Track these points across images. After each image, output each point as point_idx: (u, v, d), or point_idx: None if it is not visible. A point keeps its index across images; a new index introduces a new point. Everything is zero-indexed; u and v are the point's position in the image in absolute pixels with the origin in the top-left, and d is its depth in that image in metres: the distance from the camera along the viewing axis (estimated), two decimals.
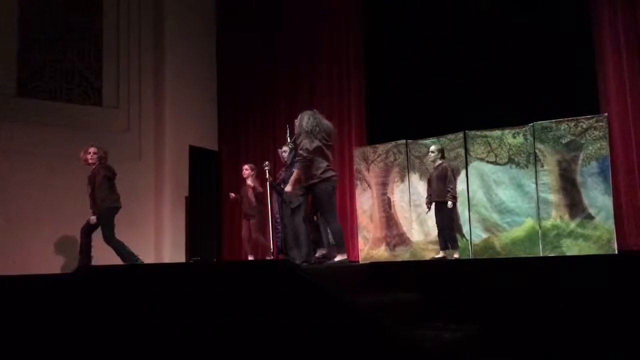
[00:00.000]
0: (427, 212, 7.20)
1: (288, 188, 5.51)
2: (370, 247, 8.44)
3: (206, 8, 10.48)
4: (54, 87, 8.97)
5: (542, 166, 7.28)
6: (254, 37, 10.14)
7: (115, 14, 9.49)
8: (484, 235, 7.54)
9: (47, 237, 7.67)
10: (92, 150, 6.89)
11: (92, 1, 9.39)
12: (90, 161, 6.88)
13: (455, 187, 6.87)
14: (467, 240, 7.61)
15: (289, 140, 6.85)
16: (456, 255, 6.70)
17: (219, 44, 10.54)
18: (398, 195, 8.28)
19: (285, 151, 6.94)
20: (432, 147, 7.08)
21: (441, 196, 6.72)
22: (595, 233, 6.91)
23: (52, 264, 6.89)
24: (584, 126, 7.10)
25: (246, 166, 8.07)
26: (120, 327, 3.63)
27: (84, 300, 3.83)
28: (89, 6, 9.37)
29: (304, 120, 5.58)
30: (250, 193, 7.95)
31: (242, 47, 10.20)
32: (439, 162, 6.89)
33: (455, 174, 7.19)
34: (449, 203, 6.68)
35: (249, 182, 7.92)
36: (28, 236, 7.91)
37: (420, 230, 8.00)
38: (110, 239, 6.59)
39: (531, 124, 7.37)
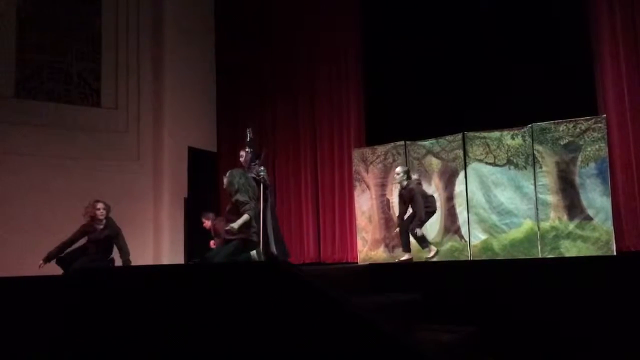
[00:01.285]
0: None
1: (235, 226, 5.74)
2: (369, 249, 8.44)
3: (205, 9, 10.48)
4: (53, 89, 8.97)
5: (541, 167, 7.29)
6: (252, 38, 10.14)
7: (114, 15, 9.49)
8: (483, 237, 7.54)
9: (46, 239, 7.65)
10: (100, 205, 6.41)
11: (90, 2, 9.39)
12: (100, 217, 6.40)
13: (421, 209, 6.74)
14: (465, 241, 7.61)
15: (248, 138, 7.23)
16: (406, 257, 6.92)
17: (217, 45, 10.54)
18: (397, 196, 8.26)
19: (242, 156, 7.17)
20: (398, 169, 7.11)
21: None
22: (594, 234, 6.91)
23: (50, 266, 6.86)
24: (583, 127, 7.11)
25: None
26: (118, 329, 3.63)
27: (81, 301, 3.82)
28: (87, 7, 9.37)
29: (236, 178, 5.97)
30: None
31: (241, 48, 10.20)
32: (405, 183, 6.95)
33: (422, 193, 7.05)
34: (418, 231, 6.71)
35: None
36: (26, 238, 7.89)
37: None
38: None
39: (530, 125, 7.38)
